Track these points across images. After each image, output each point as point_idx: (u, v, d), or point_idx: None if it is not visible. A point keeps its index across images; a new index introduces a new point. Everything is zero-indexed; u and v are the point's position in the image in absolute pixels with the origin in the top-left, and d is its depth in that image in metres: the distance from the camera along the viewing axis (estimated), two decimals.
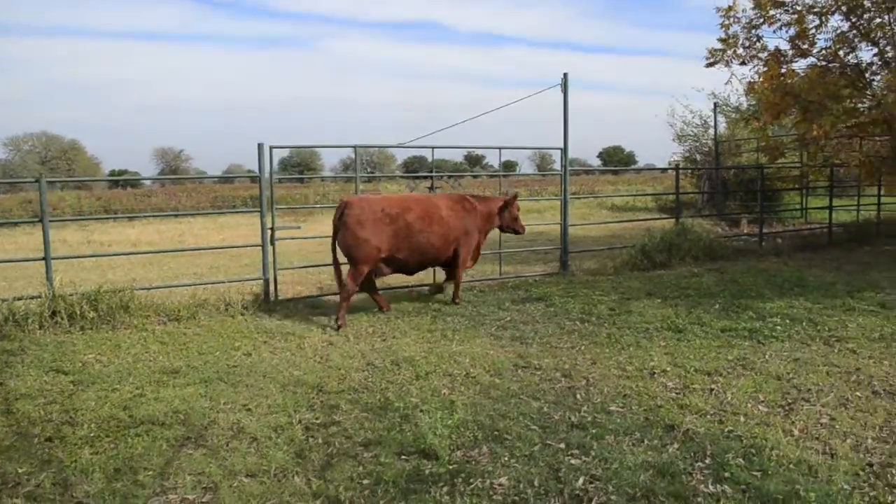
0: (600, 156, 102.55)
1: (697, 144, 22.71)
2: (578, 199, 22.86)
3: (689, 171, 22.03)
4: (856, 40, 11.78)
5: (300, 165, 79.97)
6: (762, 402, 5.06)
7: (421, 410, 4.99)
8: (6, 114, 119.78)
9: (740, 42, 12.30)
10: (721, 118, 21.30)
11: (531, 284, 10.26)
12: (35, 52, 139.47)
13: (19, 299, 7.99)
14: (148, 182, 57.94)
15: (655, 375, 5.75)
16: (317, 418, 5.00)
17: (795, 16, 11.67)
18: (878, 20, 11.53)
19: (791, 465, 3.98)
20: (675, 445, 4.29)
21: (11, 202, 30.85)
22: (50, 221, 8.67)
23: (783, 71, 12.01)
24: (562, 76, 11.05)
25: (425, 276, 10.40)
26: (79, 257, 13.25)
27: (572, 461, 4.11)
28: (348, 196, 8.88)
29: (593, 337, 7.07)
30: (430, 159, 10.78)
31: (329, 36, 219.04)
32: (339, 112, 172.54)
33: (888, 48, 11.67)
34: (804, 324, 7.33)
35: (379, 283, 9.13)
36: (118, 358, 6.66)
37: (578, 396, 5.28)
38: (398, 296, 9.66)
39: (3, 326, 7.63)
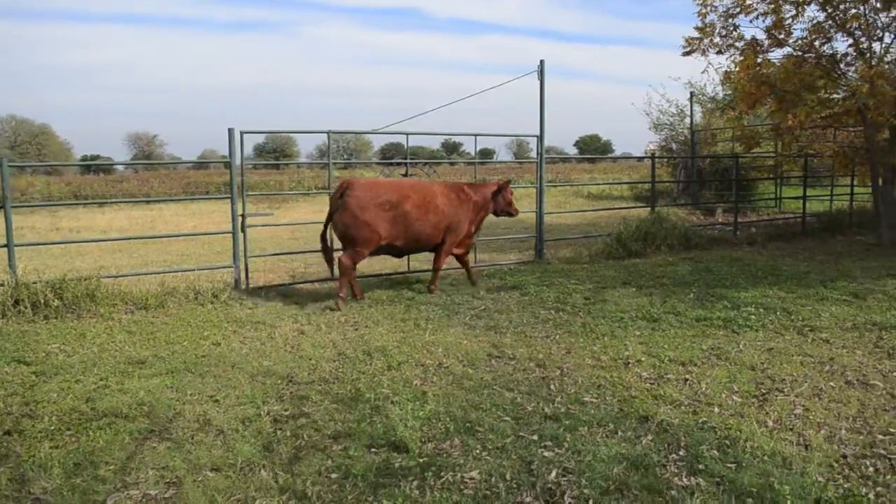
0: (577, 144, 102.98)
1: (673, 133, 22.77)
2: (554, 186, 22.85)
3: (665, 159, 22.08)
4: (831, 31, 11.79)
5: (276, 152, 79.29)
6: (736, 392, 5.03)
7: (392, 402, 4.90)
8: None
9: (717, 31, 12.26)
10: (697, 107, 21.35)
11: (506, 273, 10.19)
12: (4, 35, 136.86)
13: None
14: (121, 167, 57.10)
15: (630, 365, 5.70)
16: (286, 410, 4.89)
17: (772, 5, 11.64)
18: (853, 11, 11.53)
19: (765, 457, 3.94)
20: (649, 437, 4.23)
21: None
22: (15, 207, 8.43)
23: (759, 61, 12.00)
24: (538, 63, 10.97)
25: (400, 264, 10.31)
26: (45, 244, 13.00)
27: (545, 454, 4.04)
28: (350, 177, 8.81)
29: (568, 326, 7.01)
30: (405, 146, 10.64)
31: (306, 21, 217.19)
32: (316, 98, 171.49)
33: (863, 39, 11.70)
34: (778, 313, 7.33)
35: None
36: (83, 348, 6.50)
37: (552, 387, 5.21)
38: (371, 284, 9.54)
39: None
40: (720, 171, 19.77)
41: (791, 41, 12.01)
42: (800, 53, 11.92)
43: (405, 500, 3.57)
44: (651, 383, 5.26)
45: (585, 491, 3.61)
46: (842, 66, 11.97)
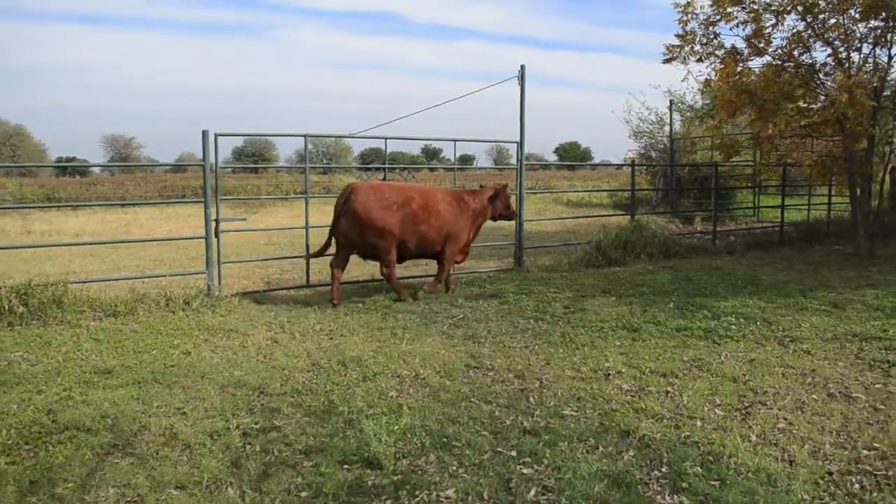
0: (556, 151, 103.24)
1: (653, 141, 22.79)
2: (534, 193, 22.81)
3: (645, 167, 22.10)
4: (811, 40, 11.82)
5: (254, 156, 78.68)
6: (719, 405, 4.93)
7: (366, 415, 4.74)
8: None
9: (698, 39, 12.25)
10: (676, 115, 21.40)
11: (485, 280, 10.06)
12: None
13: None
14: (97, 170, 56.38)
15: (610, 377, 5.58)
16: (256, 423, 4.72)
17: (752, 14, 11.65)
18: (832, 20, 11.57)
19: (750, 474, 3.83)
20: (631, 453, 4.11)
21: None
22: None
23: (739, 69, 12.00)
24: (519, 68, 10.88)
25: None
26: (13, 248, 12.68)
27: (524, 470, 3.90)
28: (354, 182, 9.00)
29: (547, 336, 6.89)
30: (384, 151, 10.50)
31: (283, 25, 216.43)
32: (294, 102, 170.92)
33: (842, 49, 11.73)
34: (758, 323, 7.26)
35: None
36: (47, 357, 6.27)
37: (531, 399, 5.08)
38: (347, 291, 9.37)
39: None
40: (699, 180, 19.81)
41: (771, 50, 12.03)
42: (779, 62, 11.93)
43: None
44: (632, 396, 5.15)
45: None
46: (820, 75, 12.00)
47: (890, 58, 12.06)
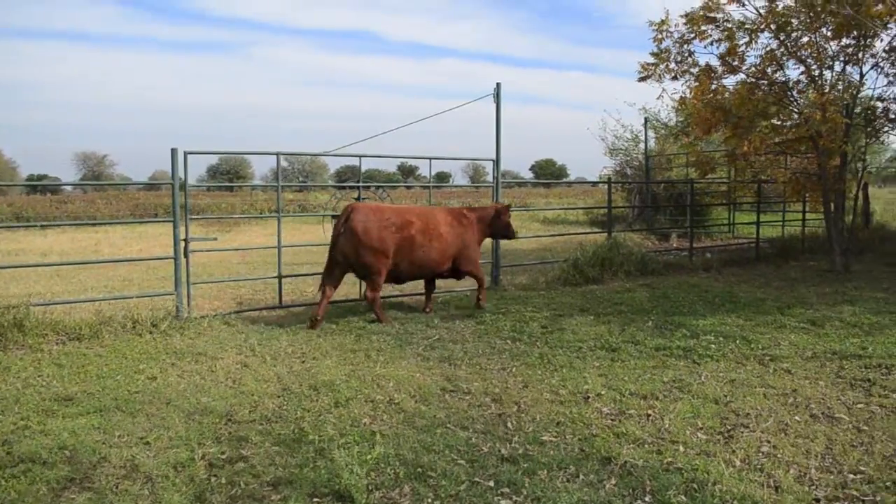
0: (533, 168, 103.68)
1: (628, 159, 22.87)
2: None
3: (621, 184, 22.15)
4: (784, 58, 11.89)
5: (229, 173, 78.14)
6: (701, 428, 4.80)
7: (338, 444, 4.54)
8: None
9: (672, 57, 12.29)
10: (651, 133, 21.49)
11: (461, 300, 9.92)
12: None
13: None
14: (69, 188, 55.53)
15: (590, 400, 5.44)
16: (222, 453, 4.51)
17: (726, 32, 11.71)
18: (805, 39, 11.66)
19: (735, 502, 3.70)
20: (613, 481, 3.96)
21: None
22: None
23: (714, 87, 12.04)
24: (494, 86, 10.81)
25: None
26: None
27: (502, 502, 3.74)
28: (354, 202, 9.06)
29: (525, 357, 6.74)
30: (361, 169, 10.35)
31: (261, 42, 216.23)
32: (272, 120, 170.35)
33: (815, 67, 11.81)
34: (737, 342, 7.18)
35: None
36: (5, 383, 6.02)
37: (509, 425, 4.92)
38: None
39: None
40: (675, 197, 19.87)
41: (745, 68, 12.10)
42: (753, 80, 11.99)
43: None
44: (612, 419, 5.01)
45: None
46: (794, 92, 12.07)
47: (861, 75, 12.21)
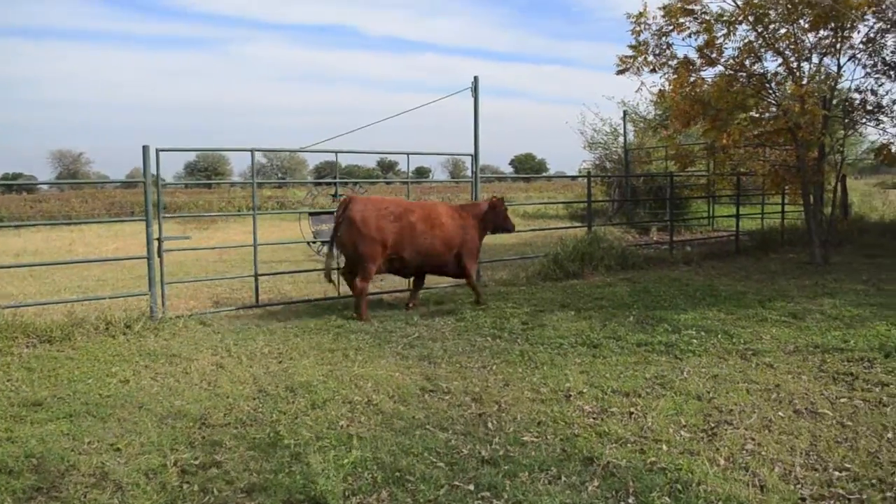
0: (512, 163, 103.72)
1: (608, 152, 22.86)
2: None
3: (600, 178, 22.13)
4: (762, 50, 11.87)
5: (207, 170, 77.45)
6: (684, 426, 4.72)
7: (315, 448, 4.41)
8: None
9: (650, 49, 12.23)
10: (630, 126, 21.48)
11: (441, 297, 9.81)
12: None
13: None
14: (44, 186, 54.73)
15: (571, 398, 5.35)
16: (195, 458, 4.36)
17: (704, 24, 11.66)
18: (783, 30, 11.64)
19: (720, 503, 3.62)
20: (595, 482, 3.87)
21: None
22: None
23: (692, 79, 12.00)
24: (472, 80, 10.70)
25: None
26: None
27: None
28: (352, 194, 9.15)
29: (505, 355, 6.64)
30: (339, 164, 10.20)
31: (239, 39, 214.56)
32: (250, 116, 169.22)
33: (793, 59, 11.80)
34: (719, 336, 7.12)
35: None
36: None
37: (490, 425, 4.81)
38: (299, 311, 9.04)
39: None
40: (654, 190, 19.87)
41: (723, 60, 12.07)
42: (732, 72, 11.96)
43: None
44: (594, 418, 4.92)
45: None
46: (772, 84, 12.06)
47: (839, 67, 12.20)
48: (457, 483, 3.90)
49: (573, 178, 39.21)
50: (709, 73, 12.22)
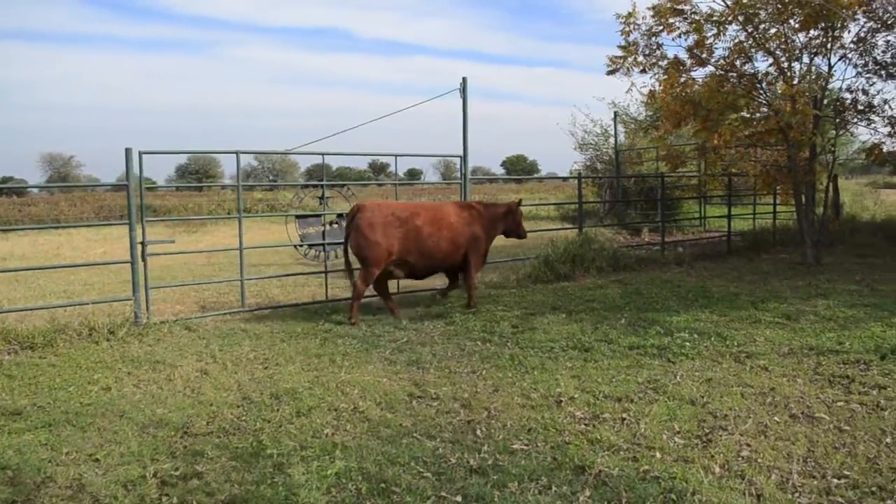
0: (503, 164, 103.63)
1: (599, 153, 22.78)
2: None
3: (591, 179, 22.04)
4: (752, 50, 11.80)
5: (198, 173, 77.09)
6: (678, 432, 4.61)
7: (298, 457, 4.28)
8: None
9: (640, 50, 12.13)
10: (621, 127, 21.41)
11: (430, 300, 9.67)
12: None
13: None
14: (34, 190, 54.27)
15: (562, 404, 5.22)
16: (176, 469, 4.23)
17: (694, 25, 11.58)
18: (773, 30, 11.57)
19: None
20: (587, 492, 3.74)
21: None
22: None
23: (682, 80, 11.91)
24: (460, 81, 10.58)
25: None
26: None
27: None
28: (362, 200, 9.08)
29: (495, 359, 6.51)
30: (329, 167, 10.07)
31: (230, 41, 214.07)
32: (241, 119, 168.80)
33: (783, 59, 11.73)
34: (713, 339, 7.01)
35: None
36: None
37: (479, 432, 4.69)
38: (286, 314, 8.89)
39: None
40: (645, 191, 19.79)
41: (713, 60, 11.99)
42: (722, 72, 11.88)
43: None
44: (586, 424, 4.80)
45: None
46: (763, 84, 11.98)
47: (830, 67, 12.14)
48: (444, 494, 3.77)
49: (564, 179, 39.15)
50: (699, 74, 12.15)
